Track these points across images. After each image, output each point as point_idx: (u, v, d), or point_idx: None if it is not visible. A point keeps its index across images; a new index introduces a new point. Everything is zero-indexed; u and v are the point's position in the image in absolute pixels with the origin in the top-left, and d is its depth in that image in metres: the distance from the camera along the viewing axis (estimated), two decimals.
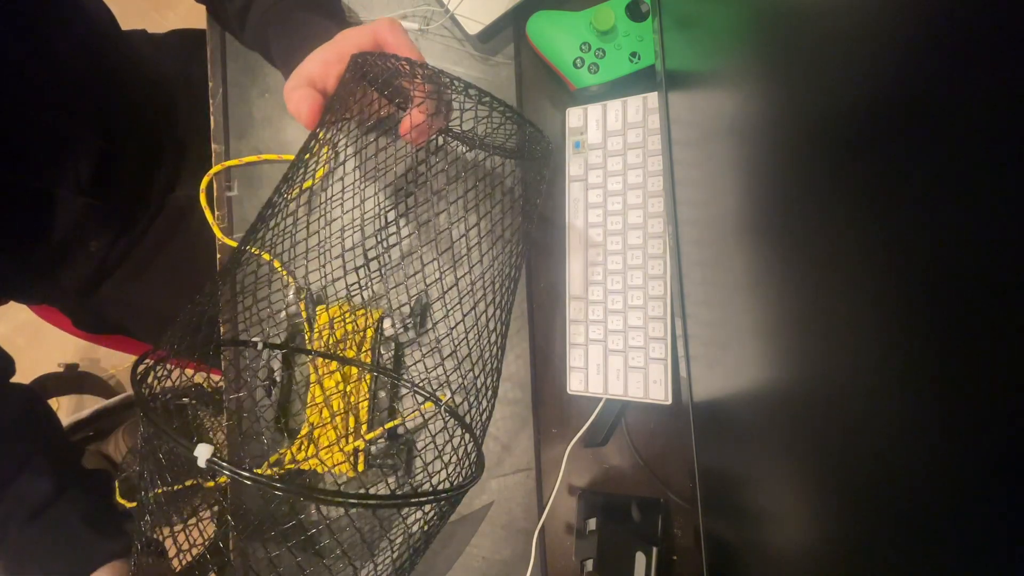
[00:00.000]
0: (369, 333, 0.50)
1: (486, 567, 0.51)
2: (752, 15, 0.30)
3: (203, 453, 0.25)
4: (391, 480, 0.50)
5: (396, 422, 0.50)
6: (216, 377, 0.92)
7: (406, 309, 0.51)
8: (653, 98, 0.46)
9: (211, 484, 0.52)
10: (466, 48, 0.52)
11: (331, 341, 0.50)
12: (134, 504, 0.70)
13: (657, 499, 0.46)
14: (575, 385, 0.48)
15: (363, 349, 0.50)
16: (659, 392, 0.45)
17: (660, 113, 0.42)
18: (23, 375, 0.60)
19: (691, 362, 0.40)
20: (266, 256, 0.49)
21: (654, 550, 0.43)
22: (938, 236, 0.18)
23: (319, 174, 0.52)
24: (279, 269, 0.52)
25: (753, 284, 0.30)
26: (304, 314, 0.52)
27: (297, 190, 0.40)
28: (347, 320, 0.50)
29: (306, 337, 0.52)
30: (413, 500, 0.28)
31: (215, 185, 0.56)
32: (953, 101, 0.17)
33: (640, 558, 0.43)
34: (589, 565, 0.44)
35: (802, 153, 0.25)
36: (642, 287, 0.46)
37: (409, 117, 0.39)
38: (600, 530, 0.45)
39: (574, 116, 0.49)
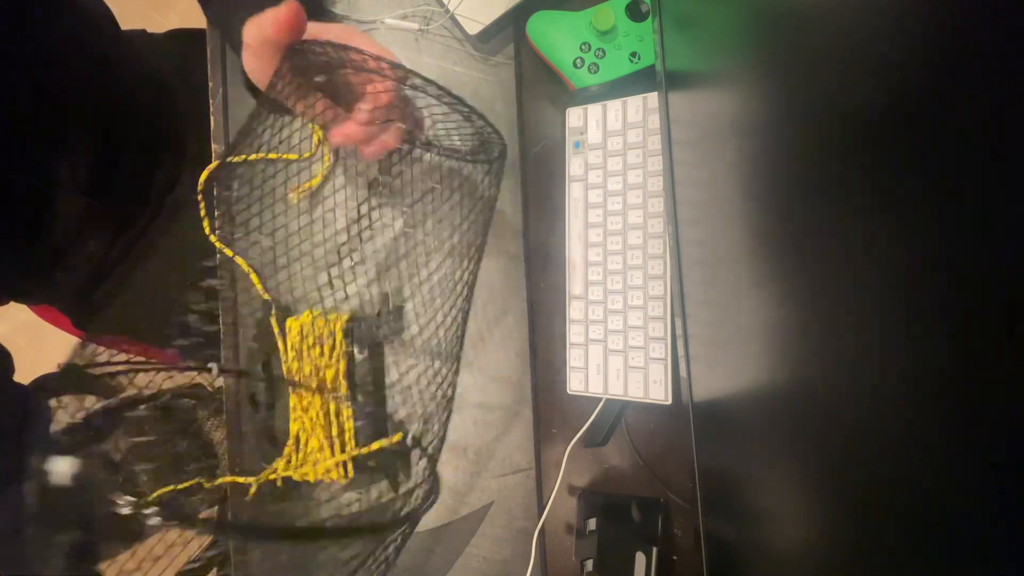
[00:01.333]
0: (339, 337, 0.49)
1: (486, 567, 0.51)
2: (752, 15, 0.30)
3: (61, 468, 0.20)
4: (381, 486, 0.50)
5: (378, 445, 0.48)
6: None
7: (370, 307, 0.50)
8: (653, 98, 0.46)
9: (208, 485, 0.52)
10: (466, 48, 0.52)
11: (304, 350, 0.49)
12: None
13: (657, 499, 0.46)
14: (575, 385, 0.48)
15: (335, 354, 0.49)
16: (659, 392, 0.45)
17: (660, 113, 0.42)
18: (23, 375, 0.60)
19: (691, 362, 0.40)
20: (244, 265, 0.49)
21: (654, 550, 0.43)
22: (940, 234, 0.18)
23: (308, 183, 0.53)
24: (251, 276, 0.52)
25: (753, 284, 0.30)
26: (275, 327, 0.51)
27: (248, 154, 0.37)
28: (316, 326, 0.49)
29: (279, 348, 0.51)
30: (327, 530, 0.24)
31: (214, 185, 0.55)
32: (958, 101, 0.17)
33: (640, 558, 0.43)
34: (589, 565, 0.44)
35: (802, 153, 0.25)
36: (642, 287, 0.46)
37: (343, 124, 0.36)
38: (600, 530, 0.45)
39: (574, 116, 0.49)
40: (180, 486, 0.48)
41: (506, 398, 0.51)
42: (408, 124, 0.40)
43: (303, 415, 0.49)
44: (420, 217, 0.35)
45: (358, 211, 0.51)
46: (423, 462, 0.37)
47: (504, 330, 0.51)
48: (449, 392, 0.37)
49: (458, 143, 0.43)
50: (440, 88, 0.33)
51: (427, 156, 0.47)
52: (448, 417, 0.37)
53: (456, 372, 0.38)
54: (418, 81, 0.33)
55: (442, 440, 0.37)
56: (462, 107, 0.35)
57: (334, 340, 0.49)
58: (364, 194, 0.52)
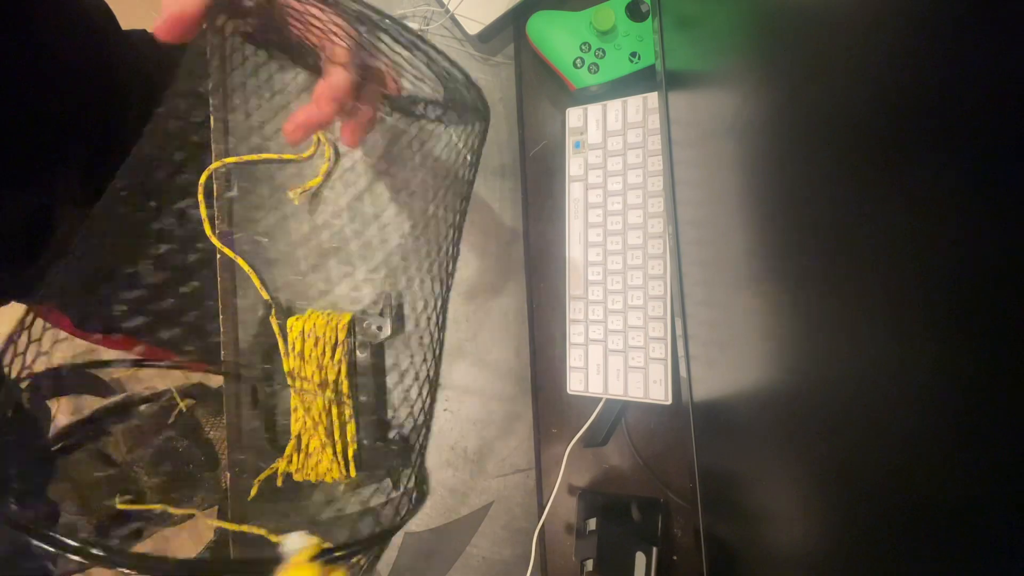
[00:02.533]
0: (340, 336, 0.49)
1: (486, 567, 0.51)
2: (753, 14, 0.30)
3: None
4: (382, 485, 0.50)
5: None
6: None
7: (372, 307, 0.50)
8: (653, 98, 0.46)
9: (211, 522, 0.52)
10: (466, 48, 0.52)
11: (305, 350, 0.49)
12: (133, 505, 0.70)
13: (657, 499, 0.46)
14: (575, 385, 0.48)
15: (336, 354, 0.49)
16: (659, 392, 0.45)
17: (660, 113, 0.42)
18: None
19: (691, 362, 0.40)
20: (244, 265, 0.49)
21: (654, 550, 0.43)
22: (942, 234, 0.18)
23: (310, 183, 0.53)
24: (253, 279, 0.52)
25: (753, 284, 0.30)
26: (276, 327, 0.51)
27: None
28: (317, 326, 0.49)
29: (280, 348, 0.51)
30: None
31: (215, 185, 0.56)
32: (961, 100, 0.17)
33: (640, 558, 0.43)
34: (589, 565, 0.44)
35: (803, 153, 0.25)
36: (642, 287, 0.46)
37: (304, 109, 0.29)
38: (600, 530, 0.45)
39: (574, 116, 0.49)
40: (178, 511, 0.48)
41: (506, 398, 0.51)
42: (379, 82, 0.32)
43: (304, 415, 0.49)
44: (393, 191, 0.31)
45: (361, 208, 0.51)
46: (418, 463, 0.37)
47: (504, 330, 0.51)
48: (433, 385, 0.36)
49: (429, 98, 0.37)
50: (397, 23, 0.26)
51: (392, 119, 0.40)
52: (430, 409, 0.36)
53: (437, 362, 0.37)
54: (373, 16, 0.26)
55: (425, 436, 0.36)
56: (428, 48, 0.28)
57: (335, 340, 0.49)
58: (364, 190, 0.52)
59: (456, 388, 0.52)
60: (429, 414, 0.37)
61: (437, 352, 0.37)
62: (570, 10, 0.47)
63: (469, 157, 0.37)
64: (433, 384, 0.37)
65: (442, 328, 0.37)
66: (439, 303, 0.36)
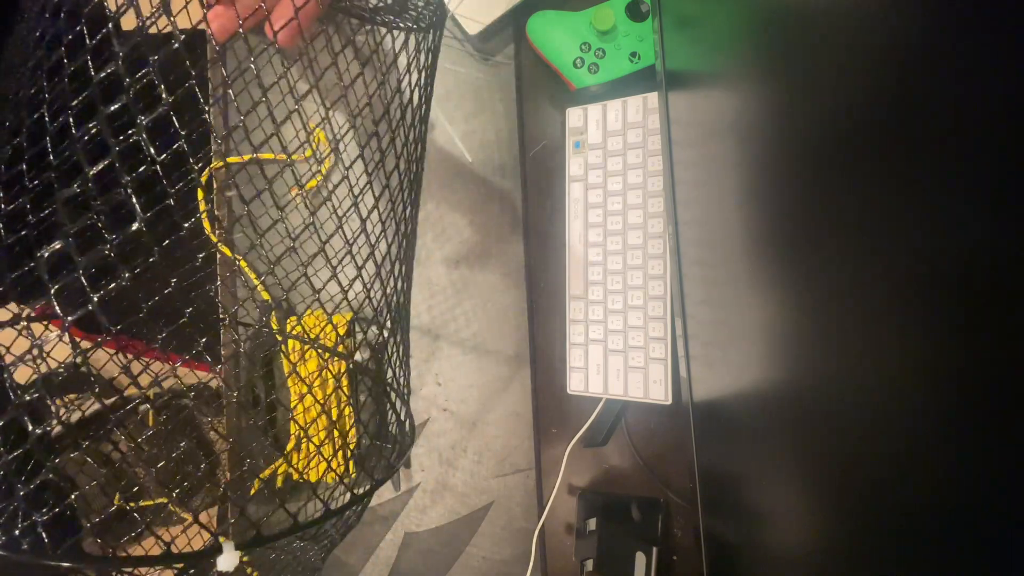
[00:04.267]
0: (340, 336, 0.49)
1: (486, 567, 0.51)
2: (753, 15, 0.30)
3: None
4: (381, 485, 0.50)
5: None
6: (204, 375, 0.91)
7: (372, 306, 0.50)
8: (653, 98, 0.46)
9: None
10: (466, 48, 0.52)
11: (305, 349, 0.49)
12: (134, 505, 0.70)
13: (657, 499, 0.46)
14: (575, 385, 0.48)
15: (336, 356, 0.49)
16: (659, 392, 0.45)
17: (660, 113, 0.42)
18: (23, 375, 0.60)
19: (691, 362, 0.40)
20: (247, 269, 0.49)
21: (654, 550, 0.43)
22: (941, 234, 0.18)
23: (310, 183, 0.53)
24: (255, 281, 0.52)
25: (753, 283, 0.30)
26: (276, 327, 0.51)
27: None
28: (318, 326, 0.49)
29: (280, 348, 0.51)
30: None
31: (214, 185, 0.56)
32: (960, 101, 0.17)
33: (640, 558, 0.43)
34: (589, 565, 0.44)
35: (802, 153, 0.25)
36: (642, 287, 0.46)
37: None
38: (600, 530, 0.45)
39: (574, 116, 0.49)
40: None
41: (506, 399, 0.51)
42: None
43: (304, 415, 0.49)
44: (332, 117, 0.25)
45: (360, 208, 0.51)
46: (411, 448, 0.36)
47: (504, 330, 0.51)
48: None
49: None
50: None
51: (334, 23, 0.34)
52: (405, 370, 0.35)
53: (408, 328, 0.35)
54: None
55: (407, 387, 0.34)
56: None
57: (336, 340, 0.49)
58: (364, 185, 0.52)
59: (456, 388, 0.52)
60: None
61: (401, 270, 0.34)
62: (570, 10, 0.47)
63: (420, 77, 0.32)
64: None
65: (405, 258, 0.34)
66: (400, 249, 0.33)
